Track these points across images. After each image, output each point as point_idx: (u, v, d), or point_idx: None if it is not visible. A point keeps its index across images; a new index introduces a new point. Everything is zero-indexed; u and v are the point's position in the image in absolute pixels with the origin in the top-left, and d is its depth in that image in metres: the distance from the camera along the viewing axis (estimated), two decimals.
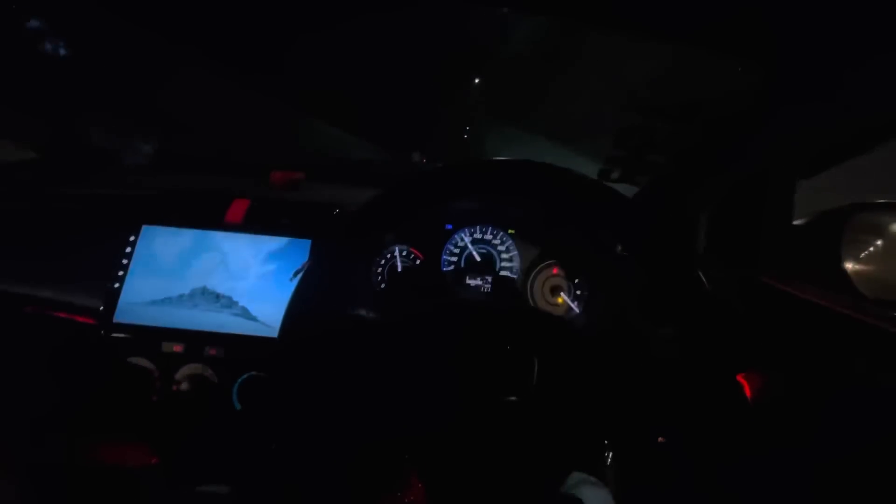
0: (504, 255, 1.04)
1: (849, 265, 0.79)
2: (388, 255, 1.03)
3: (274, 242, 0.87)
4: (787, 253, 0.85)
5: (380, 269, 1.02)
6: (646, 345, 0.87)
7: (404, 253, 1.03)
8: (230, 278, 0.85)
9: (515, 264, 1.03)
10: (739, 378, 0.80)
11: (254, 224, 0.88)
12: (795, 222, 0.86)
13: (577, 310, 1.02)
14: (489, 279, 1.03)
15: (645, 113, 1.08)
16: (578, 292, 1.02)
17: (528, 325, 0.97)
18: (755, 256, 0.88)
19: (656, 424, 0.75)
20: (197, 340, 0.82)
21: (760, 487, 0.75)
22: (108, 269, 0.86)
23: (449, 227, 1.05)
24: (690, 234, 0.94)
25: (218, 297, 0.84)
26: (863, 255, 0.79)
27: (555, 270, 1.02)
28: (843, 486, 0.67)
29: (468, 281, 1.03)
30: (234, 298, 0.84)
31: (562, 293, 1.02)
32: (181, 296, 0.84)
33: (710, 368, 0.78)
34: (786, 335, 0.82)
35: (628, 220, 0.96)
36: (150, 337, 0.82)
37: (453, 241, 1.04)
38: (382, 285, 1.02)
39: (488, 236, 1.04)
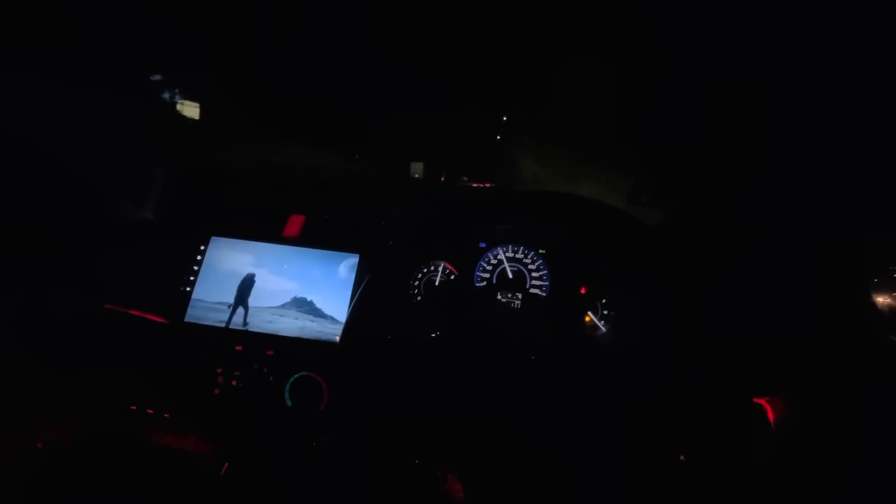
0: (534, 274, 1.09)
1: None
2: (426, 270, 1.10)
3: (326, 255, 0.96)
4: None
5: (417, 283, 1.10)
6: (669, 365, 0.90)
7: (440, 268, 1.10)
8: (286, 287, 0.95)
9: (545, 283, 1.09)
10: (763, 402, 0.82)
11: (308, 238, 0.98)
12: None
13: (603, 329, 1.06)
14: (519, 296, 1.09)
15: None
16: (606, 312, 1.07)
17: (554, 341, 1.02)
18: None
19: (677, 443, 0.79)
20: (256, 341, 0.92)
21: None
22: (181, 274, 0.97)
23: (482, 245, 1.11)
24: (716, 261, 0.97)
25: (275, 304, 0.94)
26: None
27: (583, 290, 1.07)
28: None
29: (499, 297, 1.09)
30: (291, 305, 0.93)
31: (589, 312, 1.07)
32: (242, 301, 0.94)
33: (731, 391, 0.81)
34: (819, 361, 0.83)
35: (650, 248, 1.01)
36: (214, 336, 0.93)
37: (486, 259, 1.11)
38: (419, 297, 1.10)
39: (520, 255, 1.10)
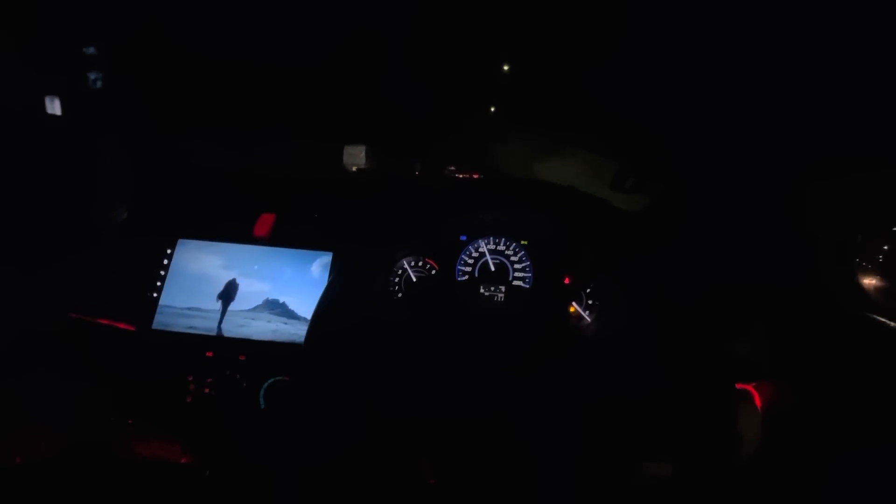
0: (517, 266, 1.07)
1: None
2: (404, 265, 1.07)
3: (298, 255, 0.93)
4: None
5: (396, 279, 1.07)
6: (653, 353, 0.88)
7: (419, 263, 1.07)
8: (258, 289, 0.91)
9: (528, 274, 1.06)
10: (750, 388, 0.80)
11: (279, 237, 0.94)
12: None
13: (588, 319, 1.04)
14: (502, 289, 1.06)
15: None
16: (590, 302, 1.04)
17: (538, 332, 1.00)
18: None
19: (663, 432, 0.77)
20: (227, 347, 0.88)
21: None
22: (147, 279, 0.93)
23: (463, 238, 1.08)
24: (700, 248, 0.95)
25: (246, 307, 0.90)
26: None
27: (566, 280, 1.05)
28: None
29: (482, 290, 1.07)
30: (263, 308, 0.90)
31: (573, 302, 1.04)
32: (212, 305, 0.90)
33: (717, 378, 0.79)
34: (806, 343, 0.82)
35: (633, 235, 0.98)
36: (184, 343, 0.89)
37: (467, 252, 1.08)
38: (399, 294, 1.07)
39: (501, 247, 1.08)
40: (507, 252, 1.07)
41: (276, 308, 0.90)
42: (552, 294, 1.05)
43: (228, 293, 0.91)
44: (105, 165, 0.94)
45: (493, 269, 1.07)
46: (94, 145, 0.93)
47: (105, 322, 0.99)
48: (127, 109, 0.93)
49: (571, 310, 1.04)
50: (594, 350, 0.96)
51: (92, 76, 0.84)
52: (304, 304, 0.91)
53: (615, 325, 0.99)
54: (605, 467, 0.77)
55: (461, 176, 1.79)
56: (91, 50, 0.83)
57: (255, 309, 0.90)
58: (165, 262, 0.94)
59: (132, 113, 0.95)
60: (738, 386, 0.77)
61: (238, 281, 0.92)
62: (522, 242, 1.07)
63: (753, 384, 0.78)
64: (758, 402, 0.76)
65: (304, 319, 0.91)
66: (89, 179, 0.95)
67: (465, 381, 0.90)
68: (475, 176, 1.86)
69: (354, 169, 1.01)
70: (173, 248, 0.95)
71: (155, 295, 0.92)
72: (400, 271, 1.07)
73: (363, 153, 1.03)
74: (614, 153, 1.27)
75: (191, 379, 0.88)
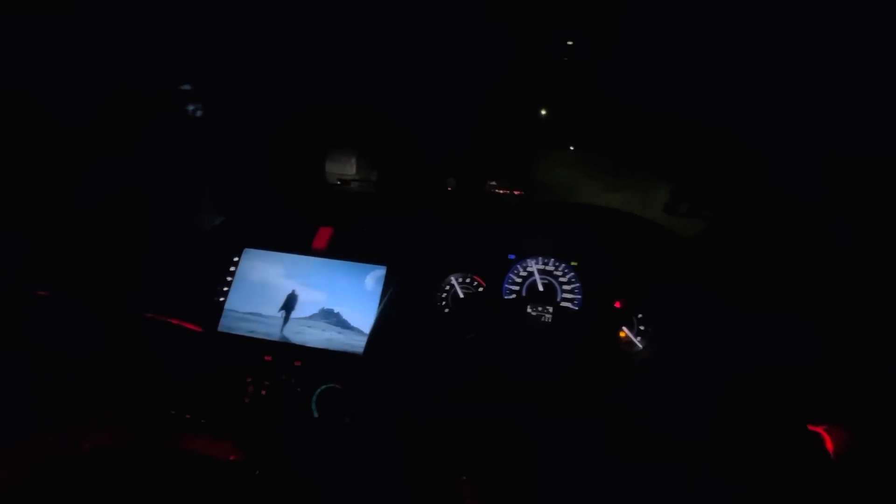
0: (566, 287, 1.06)
1: None
2: (452, 281, 1.09)
3: (354, 267, 0.97)
4: None
5: (444, 294, 1.08)
6: (710, 389, 0.85)
7: (467, 280, 1.09)
8: (314, 299, 0.96)
9: (577, 296, 1.05)
10: (821, 431, 0.76)
11: (336, 250, 0.99)
12: None
13: (639, 345, 1.01)
14: (550, 309, 1.06)
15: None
16: (642, 328, 1.02)
17: (586, 357, 0.98)
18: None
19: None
20: (285, 352, 0.92)
21: None
22: (215, 284, 1.00)
23: (512, 256, 1.09)
24: (758, 273, 0.91)
25: (303, 315, 0.95)
26: None
27: (617, 304, 1.03)
28: None
29: (529, 310, 1.06)
30: (319, 317, 0.94)
31: (624, 327, 1.02)
32: (272, 312, 0.96)
33: (782, 417, 0.75)
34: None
35: (689, 260, 0.95)
36: (246, 346, 0.94)
37: (515, 271, 1.08)
38: (446, 310, 1.08)
39: (550, 267, 1.07)
40: (555, 272, 1.07)
41: (330, 317, 0.95)
42: (601, 317, 1.04)
43: (288, 301, 0.96)
44: (197, 184, 1.04)
45: (541, 288, 1.07)
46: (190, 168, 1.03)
47: (175, 322, 1.07)
48: (219, 138, 1.03)
49: (622, 335, 1.02)
50: (645, 379, 0.93)
51: (191, 108, 0.94)
52: (358, 314, 0.95)
53: (669, 354, 0.96)
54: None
55: (502, 192, 1.79)
56: (188, 86, 0.93)
57: (311, 317, 0.95)
58: (232, 269, 1.01)
59: (223, 141, 1.04)
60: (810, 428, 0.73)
61: (297, 290, 0.97)
62: (572, 263, 1.06)
63: (824, 426, 0.74)
64: (829, 446, 0.72)
65: (357, 330, 0.94)
66: (181, 194, 1.04)
67: (507, 400, 0.89)
68: (516, 192, 1.86)
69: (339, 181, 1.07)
70: (239, 257, 1.01)
71: (221, 299, 0.99)
72: (448, 287, 1.09)
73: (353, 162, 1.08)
74: (670, 175, 1.24)
75: (249, 381, 0.93)
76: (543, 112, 1.49)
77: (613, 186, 1.45)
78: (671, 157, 1.18)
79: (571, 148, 1.54)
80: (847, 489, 0.68)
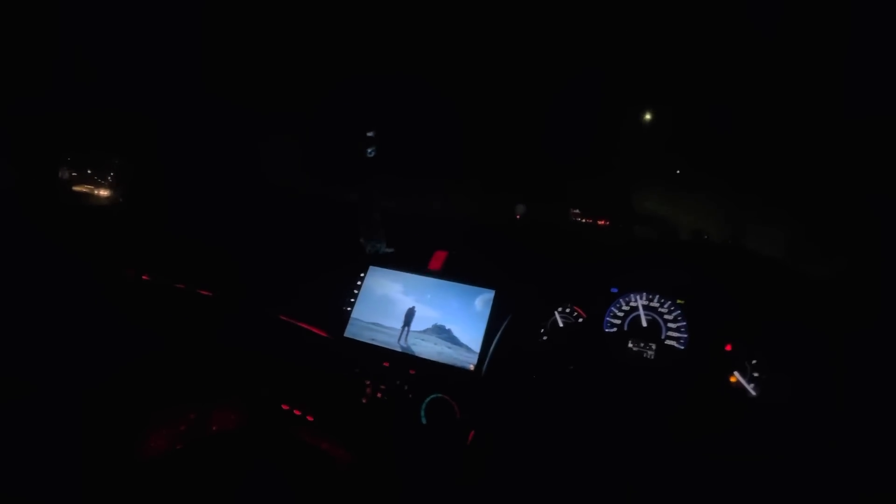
0: (671, 325, 1.05)
1: None
2: (555, 311, 1.13)
3: (464, 289, 1.07)
4: None
5: (545, 322, 1.13)
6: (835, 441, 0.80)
7: (567, 310, 1.12)
8: (428, 315, 1.07)
9: (683, 335, 1.04)
10: None
11: (449, 272, 1.10)
12: None
13: (752, 392, 0.97)
14: (653, 346, 1.05)
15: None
16: (756, 374, 0.98)
17: (690, 397, 0.96)
18: None
19: None
20: (401, 361, 1.04)
21: None
22: (344, 296, 1.16)
23: (614, 290, 1.11)
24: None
25: (418, 328, 1.06)
26: None
27: (728, 347, 1.00)
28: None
29: (630, 345, 1.07)
30: (432, 332, 1.05)
31: (735, 373, 0.99)
32: (392, 323, 1.09)
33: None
34: None
35: (813, 305, 0.91)
36: (367, 352, 1.07)
37: (618, 304, 1.10)
38: (545, 337, 1.13)
39: (655, 303, 1.07)
40: (660, 309, 1.07)
41: (442, 333, 1.05)
42: (709, 359, 1.01)
43: (407, 315, 1.08)
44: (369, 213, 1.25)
45: (644, 324, 1.07)
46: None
47: (305, 326, 1.24)
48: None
49: (733, 380, 0.98)
50: (756, 429, 0.89)
51: (369, 151, 1.15)
52: (466, 332, 1.04)
53: (784, 404, 0.91)
54: None
55: (585, 221, 1.79)
56: (371, 133, 1.15)
57: (425, 331, 1.06)
58: (359, 283, 1.16)
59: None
60: None
61: (414, 306, 1.09)
62: (679, 301, 1.05)
63: None
64: None
65: (466, 346, 1.03)
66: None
67: (604, 435, 0.91)
68: (601, 223, 1.84)
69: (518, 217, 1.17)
70: (365, 273, 1.17)
71: (349, 309, 1.14)
72: (548, 315, 1.14)
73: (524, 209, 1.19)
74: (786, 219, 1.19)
75: (368, 383, 1.06)
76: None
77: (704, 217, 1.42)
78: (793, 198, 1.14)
79: (678, 171, 1.52)
80: None
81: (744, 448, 0.85)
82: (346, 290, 1.17)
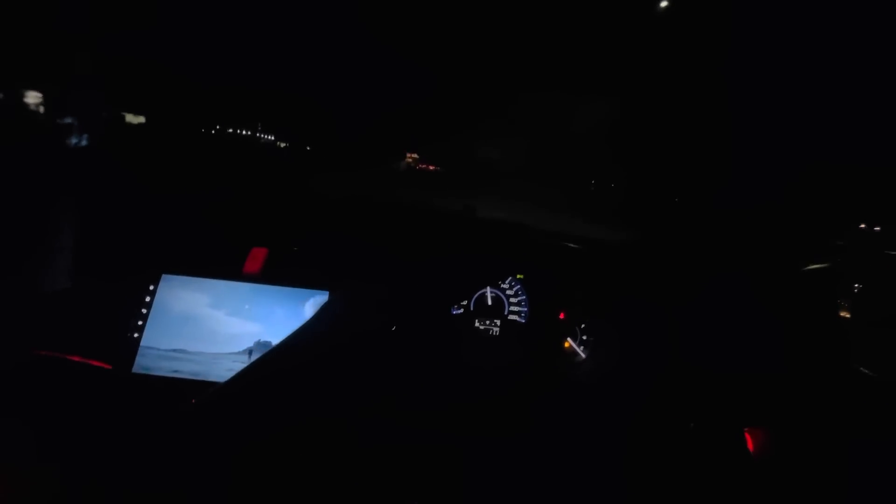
0: (513, 300, 1.07)
1: None
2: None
3: (291, 293, 0.89)
4: None
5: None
6: (650, 392, 0.89)
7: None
8: (248, 330, 0.87)
9: (524, 309, 1.06)
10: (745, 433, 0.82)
11: (271, 274, 0.90)
12: None
13: (582, 355, 1.05)
14: (498, 323, 1.06)
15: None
16: (585, 337, 1.05)
17: (531, 366, 1.00)
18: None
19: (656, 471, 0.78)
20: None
21: None
22: (127, 318, 0.87)
23: None
24: (694, 284, 0.97)
25: (237, 349, 0.86)
26: None
27: (561, 315, 1.05)
28: None
29: (477, 324, 1.06)
30: (255, 351, 0.86)
31: (568, 338, 1.05)
32: (199, 347, 0.86)
33: (717, 422, 0.81)
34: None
35: (630, 272, 1.00)
36: (166, 389, 0.84)
37: None
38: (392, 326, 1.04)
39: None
40: (503, 286, 1.07)
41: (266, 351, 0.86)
42: (547, 329, 1.06)
43: (216, 334, 0.86)
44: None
45: (490, 303, 1.06)
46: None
47: (78, 360, 0.92)
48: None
49: (566, 345, 1.05)
50: (588, 388, 0.97)
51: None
52: None
53: (611, 363, 1.00)
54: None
55: (422, 167, 1.72)
56: None
57: (244, 351, 0.86)
58: (147, 299, 0.88)
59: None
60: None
61: (227, 321, 0.87)
62: (518, 277, 1.07)
63: (747, 429, 0.81)
64: (750, 447, 0.78)
65: None
66: None
67: (455, 413, 0.89)
68: (431, 168, 1.80)
69: None
70: (156, 285, 0.89)
71: (136, 335, 0.86)
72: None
73: None
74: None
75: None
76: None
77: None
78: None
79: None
80: (764, 488, 0.76)
81: (577, 406, 0.91)
82: (130, 311, 0.88)
